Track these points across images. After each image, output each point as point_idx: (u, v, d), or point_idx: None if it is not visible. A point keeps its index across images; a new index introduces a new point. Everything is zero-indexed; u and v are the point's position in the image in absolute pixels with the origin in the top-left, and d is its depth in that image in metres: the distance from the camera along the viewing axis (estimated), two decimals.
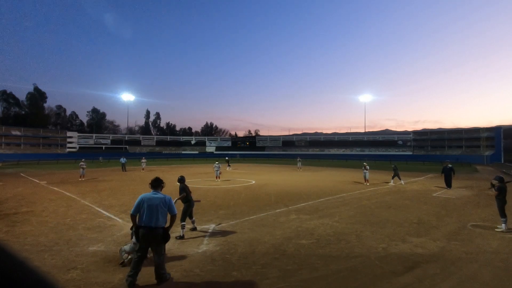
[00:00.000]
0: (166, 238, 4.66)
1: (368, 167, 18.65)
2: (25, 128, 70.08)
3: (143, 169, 30.06)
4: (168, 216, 4.82)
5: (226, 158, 36.17)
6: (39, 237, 6.91)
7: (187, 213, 7.22)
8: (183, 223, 7.04)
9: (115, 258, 5.57)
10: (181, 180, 7.49)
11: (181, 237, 6.87)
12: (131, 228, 5.30)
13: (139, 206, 4.66)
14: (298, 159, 33.19)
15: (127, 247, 5.45)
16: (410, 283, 4.60)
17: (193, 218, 7.60)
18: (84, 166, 21.11)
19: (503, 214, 7.63)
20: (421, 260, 5.53)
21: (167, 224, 4.76)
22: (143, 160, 31.39)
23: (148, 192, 4.90)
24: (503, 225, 7.54)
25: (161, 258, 4.65)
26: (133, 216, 4.69)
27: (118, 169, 31.01)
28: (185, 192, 7.25)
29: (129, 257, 5.32)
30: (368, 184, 17.90)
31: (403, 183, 18.36)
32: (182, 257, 5.68)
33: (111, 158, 54.94)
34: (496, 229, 7.61)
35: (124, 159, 30.26)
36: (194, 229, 7.54)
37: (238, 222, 8.53)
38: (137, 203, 4.69)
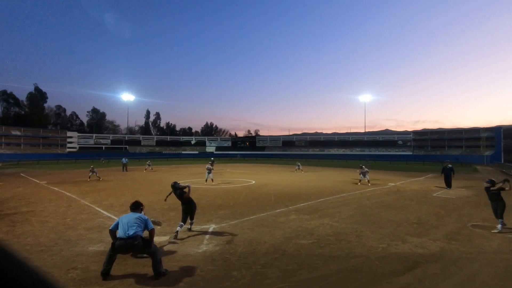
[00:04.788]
0: (147, 245, 4.93)
1: (366, 169, 18.22)
2: (25, 128, 70.14)
3: (145, 169, 29.73)
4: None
5: (212, 158, 32.33)
6: (39, 237, 6.91)
7: (188, 213, 7.27)
8: (181, 223, 7.12)
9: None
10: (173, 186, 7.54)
11: (176, 236, 6.86)
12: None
13: (117, 224, 5.04)
14: (297, 164, 31.00)
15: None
16: (410, 283, 4.60)
17: (193, 220, 7.56)
18: (94, 171, 20.75)
19: (497, 215, 7.68)
20: (421, 260, 5.53)
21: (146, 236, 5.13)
22: (149, 163, 30.71)
23: (131, 214, 5.23)
24: (500, 225, 7.56)
25: (153, 258, 4.85)
26: (111, 231, 5.05)
27: (118, 169, 31.01)
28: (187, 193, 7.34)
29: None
30: (369, 184, 17.80)
31: (366, 180, 19.48)
32: (182, 257, 5.67)
33: (114, 158, 54.51)
34: (492, 231, 7.57)
35: (126, 159, 30.13)
36: (189, 229, 7.46)
37: (238, 222, 8.53)
38: (117, 221, 5.10)
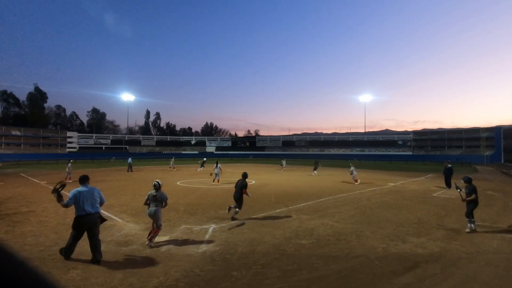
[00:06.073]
0: (103, 219, 5.67)
1: (352, 168, 19.21)
2: (25, 128, 70.13)
3: (171, 167, 31.40)
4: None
5: (204, 159, 31.19)
6: (39, 237, 6.91)
7: (239, 200, 8.86)
8: (237, 208, 8.81)
9: (115, 258, 5.58)
10: (245, 175, 9.36)
11: (234, 219, 8.59)
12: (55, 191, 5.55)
13: (75, 198, 5.39)
14: (282, 159, 34.07)
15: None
16: (410, 283, 4.60)
17: (239, 209, 8.91)
18: (69, 169, 19.82)
19: (472, 215, 7.56)
20: (421, 260, 5.53)
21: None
22: (172, 160, 32.92)
23: (85, 187, 5.62)
24: (471, 225, 7.47)
25: (98, 239, 5.49)
26: (67, 206, 5.47)
27: (121, 169, 31.04)
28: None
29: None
30: (357, 183, 18.24)
31: (313, 174, 25.07)
32: (182, 257, 5.67)
33: (122, 158, 54.25)
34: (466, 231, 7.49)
35: (131, 159, 30.55)
36: (234, 219, 8.78)
37: (238, 222, 8.53)
38: (73, 196, 5.41)
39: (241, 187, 8.86)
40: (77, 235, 5.42)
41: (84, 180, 5.72)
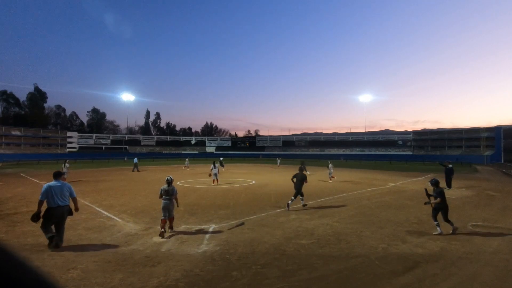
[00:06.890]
0: (71, 213, 6.27)
1: (330, 165, 20.31)
2: (25, 128, 70.12)
3: (186, 167, 33.78)
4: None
5: (221, 158, 31.55)
6: (39, 237, 6.90)
7: (300, 190, 10.38)
8: (302, 197, 10.48)
9: (115, 258, 5.58)
10: (302, 168, 11.54)
11: (305, 205, 10.47)
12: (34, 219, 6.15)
13: (47, 193, 5.96)
14: (278, 158, 40.70)
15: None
16: (410, 283, 4.60)
17: (303, 197, 10.56)
18: (67, 169, 19.71)
19: (435, 218, 7.44)
20: (421, 260, 5.53)
21: (72, 205, 6.38)
22: (187, 160, 36.28)
23: (57, 182, 6.22)
24: (438, 228, 7.36)
25: (64, 228, 6.19)
26: (41, 202, 5.99)
27: (121, 169, 31.02)
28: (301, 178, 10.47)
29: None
30: (331, 181, 19.25)
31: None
32: (182, 257, 5.67)
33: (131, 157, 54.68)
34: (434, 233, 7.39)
35: (136, 159, 30.88)
36: (305, 205, 10.55)
37: (238, 222, 8.52)
38: (45, 191, 5.99)
39: (301, 179, 10.51)
40: (47, 224, 5.94)
41: (57, 175, 6.29)
